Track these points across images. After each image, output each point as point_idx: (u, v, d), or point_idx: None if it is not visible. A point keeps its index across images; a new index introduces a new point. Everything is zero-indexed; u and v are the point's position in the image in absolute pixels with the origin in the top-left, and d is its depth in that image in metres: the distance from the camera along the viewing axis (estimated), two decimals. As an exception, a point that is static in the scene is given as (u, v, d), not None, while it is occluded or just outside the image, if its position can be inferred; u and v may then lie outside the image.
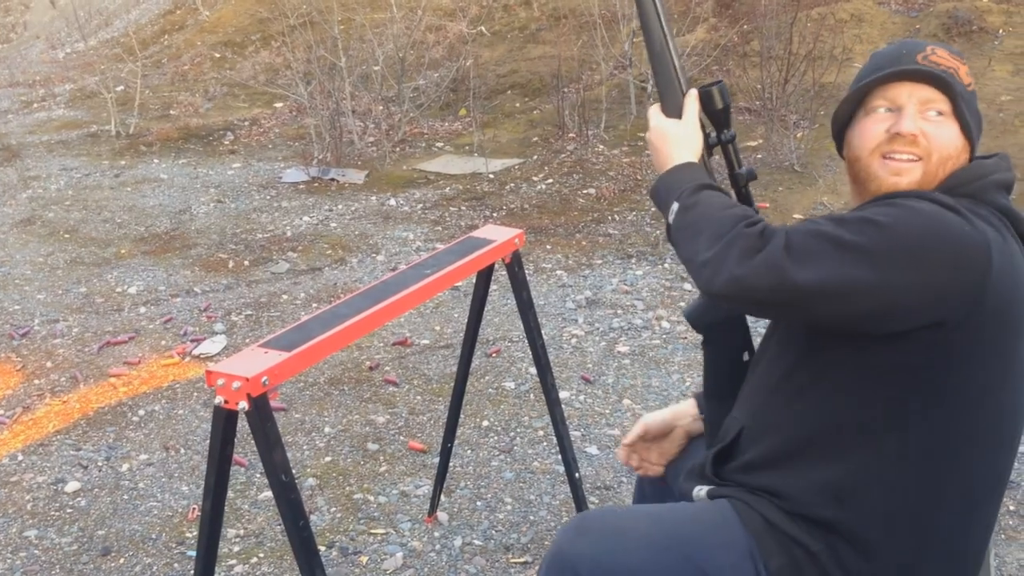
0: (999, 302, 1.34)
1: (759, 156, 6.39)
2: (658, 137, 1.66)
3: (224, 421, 1.72)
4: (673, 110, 1.67)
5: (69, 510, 3.00)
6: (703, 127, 1.67)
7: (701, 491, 1.60)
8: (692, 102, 1.65)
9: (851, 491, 1.42)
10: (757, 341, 1.67)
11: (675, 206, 1.53)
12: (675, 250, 1.53)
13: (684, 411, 1.88)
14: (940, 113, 1.47)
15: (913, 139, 1.46)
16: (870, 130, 1.50)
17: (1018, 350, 1.40)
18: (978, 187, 1.43)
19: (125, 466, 3.24)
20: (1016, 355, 1.40)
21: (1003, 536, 2.69)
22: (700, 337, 1.76)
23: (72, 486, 3.12)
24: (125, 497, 3.06)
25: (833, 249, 1.32)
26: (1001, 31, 7.65)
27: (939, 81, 1.46)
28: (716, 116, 1.66)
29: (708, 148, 1.68)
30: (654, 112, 1.69)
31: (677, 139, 1.63)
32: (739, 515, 1.49)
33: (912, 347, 1.35)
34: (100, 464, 3.25)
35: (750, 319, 1.73)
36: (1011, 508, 2.81)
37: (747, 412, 1.58)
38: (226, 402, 1.67)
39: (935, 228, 1.32)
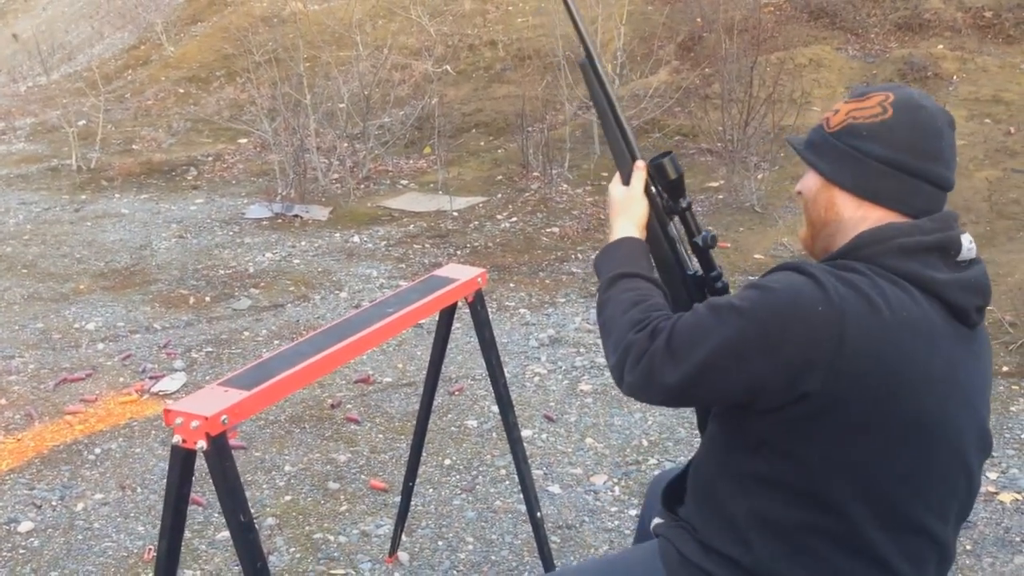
0: (859, 374, 1.35)
1: (720, 197, 6.47)
2: (608, 205, 1.76)
3: (182, 460, 1.69)
4: (627, 179, 1.75)
5: (22, 551, 2.94)
6: (660, 195, 1.72)
7: (654, 522, 1.69)
8: (638, 172, 1.72)
9: (754, 531, 1.47)
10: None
11: (598, 297, 1.65)
12: None
13: None
14: (809, 169, 1.56)
15: (799, 194, 1.58)
16: None
17: (909, 418, 1.39)
18: (875, 251, 1.43)
19: (80, 506, 3.18)
20: (908, 423, 1.39)
21: None
22: None
23: (25, 526, 3.05)
24: (79, 537, 3.00)
25: (701, 338, 1.41)
26: (955, 77, 7.84)
27: (791, 145, 1.59)
28: (671, 186, 1.71)
29: (668, 214, 1.73)
30: (613, 180, 1.77)
31: (620, 208, 1.72)
32: (660, 551, 1.60)
33: (782, 417, 1.40)
34: (54, 504, 3.19)
35: None
36: (968, 547, 2.84)
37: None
38: (184, 441, 1.65)
39: (786, 310, 1.37)
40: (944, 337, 1.41)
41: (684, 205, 1.71)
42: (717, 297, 1.50)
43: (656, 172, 1.70)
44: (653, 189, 1.72)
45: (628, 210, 1.70)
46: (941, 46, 8.34)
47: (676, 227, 1.74)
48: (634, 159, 1.74)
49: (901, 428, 1.39)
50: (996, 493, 3.12)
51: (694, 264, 1.73)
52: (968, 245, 1.47)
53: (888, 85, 1.53)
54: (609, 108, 1.76)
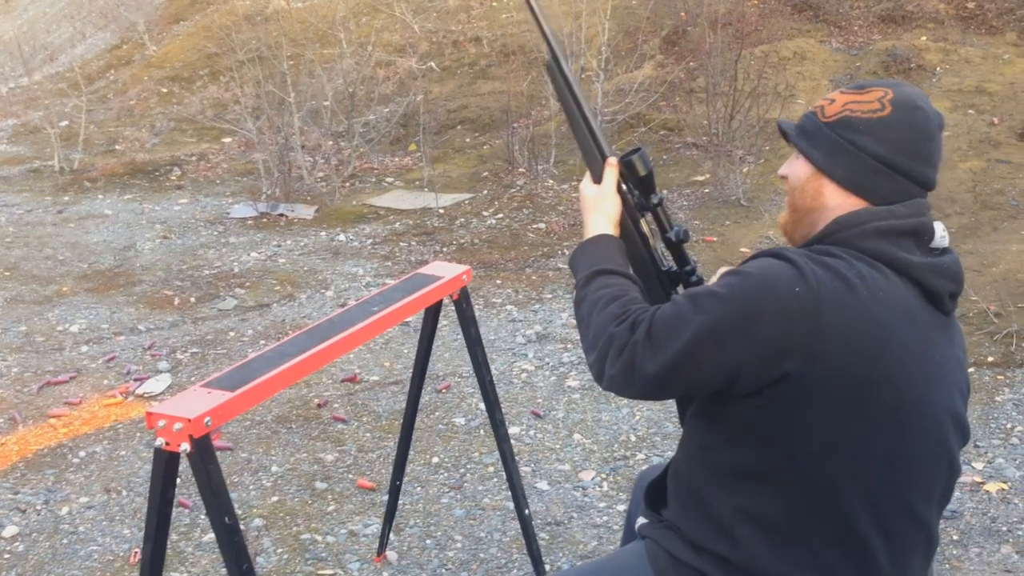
0: (837, 354, 1.36)
1: (706, 191, 6.47)
2: (581, 203, 1.75)
3: (165, 464, 1.68)
4: (597, 177, 1.74)
5: (6, 556, 2.91)
6: (632, 192, 1.72)
7: (638, 523, 1.68)
8: (610, 169, 1.71)
9: (740, 528, 1.47)
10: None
11: (574, 294, 1.64)
12: None
13: None
14: (798, 155, 1.56)
15: (784, 178, 1.59)
16: None
17: (889, 397, 1.40)
18: (851, 234, 1.46)
19: (65, 509, 3.16)
20: (889, 402, 1.40)
21: (947, 566, 2.72)
22: None
23: (10, 531, 3.03)
24: (65, 541, 2.98)
25: (681, 326, 1.41)
26: (938, 69, 7.86)
27: (781, 130, 1.59)
28: (641, 183, 1.71)
29: (640, 211, 1.72)
30: (584, 179, 1.77)
31: (593, 206, 1.71)
32: (648, 554, 1.59)
33: (763, 401, 1.41)
34: (39, 508, 3.17)
35: None
36: (955, 538, 2.85)
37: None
38: (167, 444, 1.64)
39: (764, 295, 1.38)
40: (920, 318, 1.43)
41: (655, 201, 1.71)
42: (692, 288, 1.50)
43: (626, 169, 1.70)
44: (624, 187, 1.71)
45: (601, 207, 1.69)
46: (924, 38, 8.37)
47: (649, 224, 1.74)
48: (604, 157, 1.73)
49: (882, 408, 1.40)
50: (982, 483, 3.13)
51: (668, 261, 1.73)
52: (941, 233, 1.50)
53: (888, 81, 1.55)
54: (576, 107, 1.75)
